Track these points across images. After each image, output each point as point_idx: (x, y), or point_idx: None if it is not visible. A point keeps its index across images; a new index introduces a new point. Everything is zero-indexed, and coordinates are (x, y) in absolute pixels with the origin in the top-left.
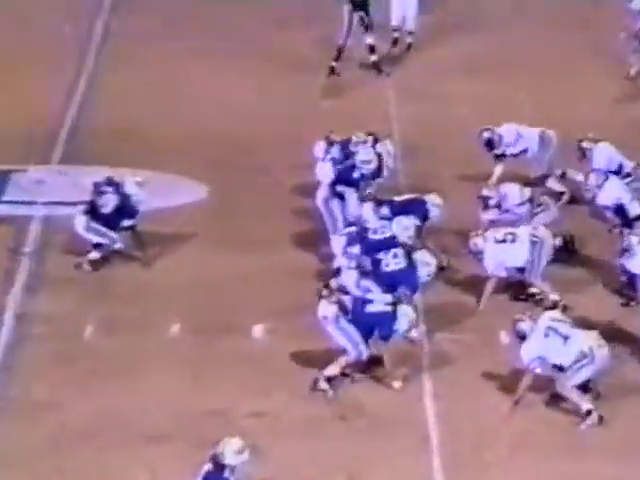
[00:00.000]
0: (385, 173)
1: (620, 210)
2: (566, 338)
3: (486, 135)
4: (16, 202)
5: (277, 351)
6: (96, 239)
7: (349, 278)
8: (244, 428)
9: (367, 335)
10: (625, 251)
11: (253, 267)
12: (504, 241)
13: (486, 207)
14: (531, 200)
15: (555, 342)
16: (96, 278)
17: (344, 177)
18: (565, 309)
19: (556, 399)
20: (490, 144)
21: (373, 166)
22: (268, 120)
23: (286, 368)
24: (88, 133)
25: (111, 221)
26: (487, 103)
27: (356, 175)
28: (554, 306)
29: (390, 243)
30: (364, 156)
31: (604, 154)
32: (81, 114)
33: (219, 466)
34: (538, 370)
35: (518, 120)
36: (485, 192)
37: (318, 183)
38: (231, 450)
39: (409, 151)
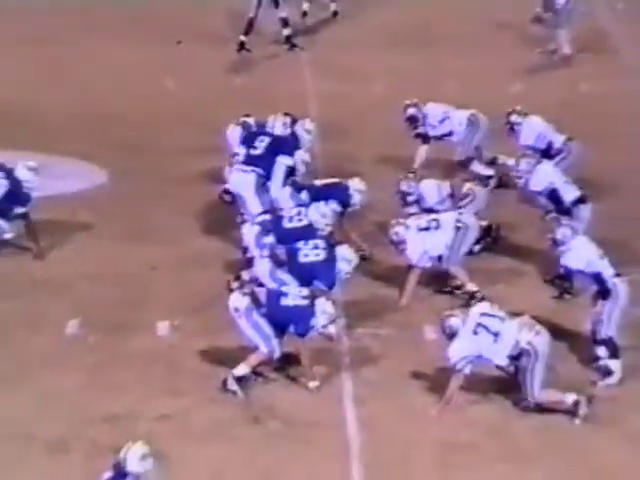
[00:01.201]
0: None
1: (553, 195)
2: (496, 335)
3: (410, 111)
4: None
5: (184, 349)
6: None
7: (262, 268)
8: (148, 433)
9: (282, 330)
10: (559, 244)
11: (158, 258)
12: (427, 228)
13: (405, 204)
14: (452, 195)
15: (485, 339)
16: None
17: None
18: (482, 301)
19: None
20: (413, 121)
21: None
22: (173, 99)
23: (194, 367)
24: None
25: (1, 209)
26: (409, 80)
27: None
28: (471, 298)
29: (306, 232)
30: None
31: (533, 128)
32: None
33: (121, 474)
34: (467, 370)
35: (441, 98)
36: (404, 187)
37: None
38: (134, 456)
39: (327, 132)
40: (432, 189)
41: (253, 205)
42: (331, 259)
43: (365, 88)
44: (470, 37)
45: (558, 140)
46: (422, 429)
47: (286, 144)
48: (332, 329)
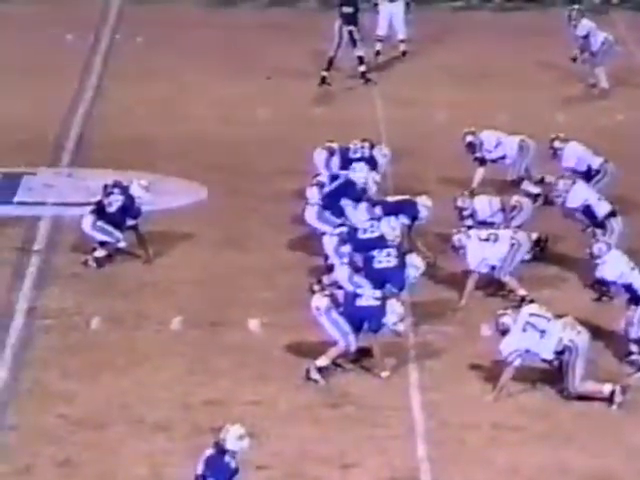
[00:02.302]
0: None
1: (588, 211)
2: (543, 332)
3: (469, 138)
4: (26, 203)
5: (272, 343)
6: (101, 237)
7: (342, 274)
8: (241, 415)
9: (357, 327)
10: (595, 258)
11: (250, 264)
12: (487, 240)
13: (461, 217)
14: (503, 209)
15: (533, 336)
16: (101, 274)
17: (335, 199)
18: (531, 303)
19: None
20: (471, 146)
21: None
22: (264, 127)
23: (280, 359)
24: (94, 139)
25: (116, 220)
26: (466, 110)
27: (355, 190)
28: (521, 301)
29: (379, 242)
30: (359, 172)
31: (574, 152)
32: (87, 121)
33: (221, 451)
34: (517, 362)
35: (494, 126)
36: (459, 203)
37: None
38: (233, 436)
39: (397, 155)
40: (484, 204)
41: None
42: (401, 265)
43: (429, 117)
44: (518, 74)
45: (596, 162)
46: (478, 413)
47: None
48: (401, 326)
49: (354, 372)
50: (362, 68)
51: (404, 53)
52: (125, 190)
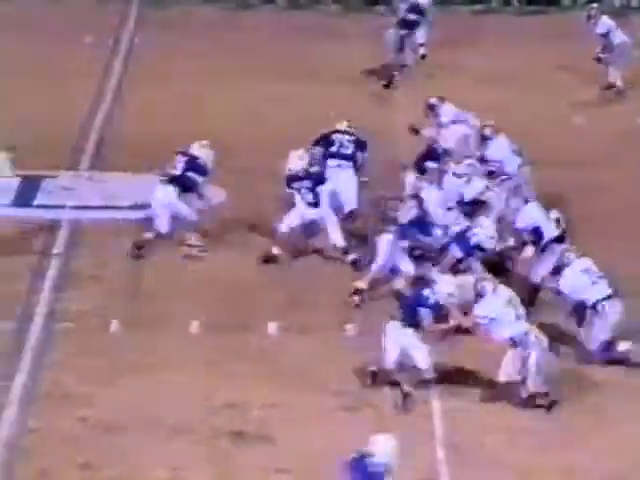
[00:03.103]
0: None
1: (537, 232)
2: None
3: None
4: (46, 206)
5: (290, 347)
6: (180, 209)
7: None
8: (258, 418)
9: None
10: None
11: (270, 267)
12: None
13: None
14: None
15: (508, 313)
16: (120, 277)
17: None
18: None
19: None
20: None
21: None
22: (282, 128)
23: (299, 362)
24: (113, 142)
25: (188, 183)
26: (484, 112)
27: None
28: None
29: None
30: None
31: (500, 146)
32: (106, 124)
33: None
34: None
35: (513, 127)
36: None
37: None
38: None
39: None
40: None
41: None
42: None
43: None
44: (537, 76)
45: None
46: (496, 417)
47: None
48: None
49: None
50: (397, 77)
51: (423, 56)
52: (185, 153)
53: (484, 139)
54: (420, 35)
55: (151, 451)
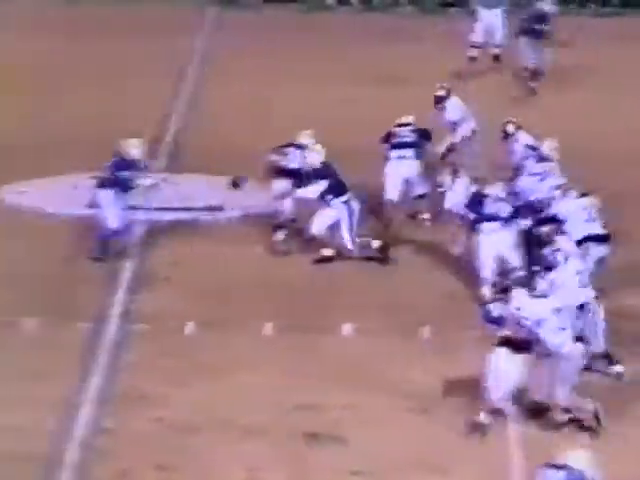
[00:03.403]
0: None
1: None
2: None
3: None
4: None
5: (365, 348)
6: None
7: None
8: (334, 420)
9: None
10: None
11: (344, 268)
12: None
13: None
14: None
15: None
16: (195, 278)
17: None
18: None
19: None
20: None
21: None
22: (358, 132)
23: (373, 364)
24: (188, 144)
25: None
26: (562, 114)
27: None
28: None
29: None
30: None
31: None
32: (181, 126)
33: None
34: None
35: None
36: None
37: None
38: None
39: None
40: None
41: None
42: None
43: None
44: (614, 78)
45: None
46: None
47: None
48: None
49: (448, 377)
50: (534, 84)
51: (496, 57)
52: (291, 144)
53: (506, 136)
54: (498, 37)
55: (226, 452)
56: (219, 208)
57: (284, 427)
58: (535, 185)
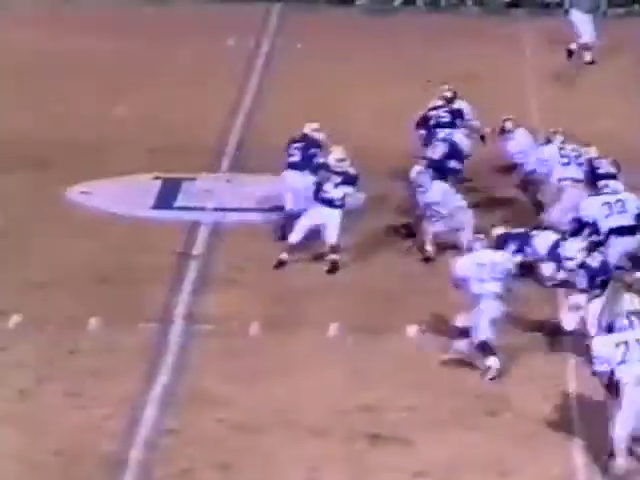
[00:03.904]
0: None
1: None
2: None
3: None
4: (186, 208)
5: (429, 350)
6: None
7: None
8: (397, 422)
9: None
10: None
11: (407, 269)
12: None
13: None
14: None
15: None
16: (259, 279)
17: None
18: None
19: None
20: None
21: None
22: None
23: (437, 366)
24: (253, 145)
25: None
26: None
27: None
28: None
29: None
30: None
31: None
32: (246, 127)
33: None
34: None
35: None
36: None
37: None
38: None
39: None
40: None
41: None
42: None
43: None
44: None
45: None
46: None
47: None
48: None
49: (513, 379)
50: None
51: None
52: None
53: (504, 132)
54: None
55: (287, 452)
56: (284, 208)
57: (347, 428)
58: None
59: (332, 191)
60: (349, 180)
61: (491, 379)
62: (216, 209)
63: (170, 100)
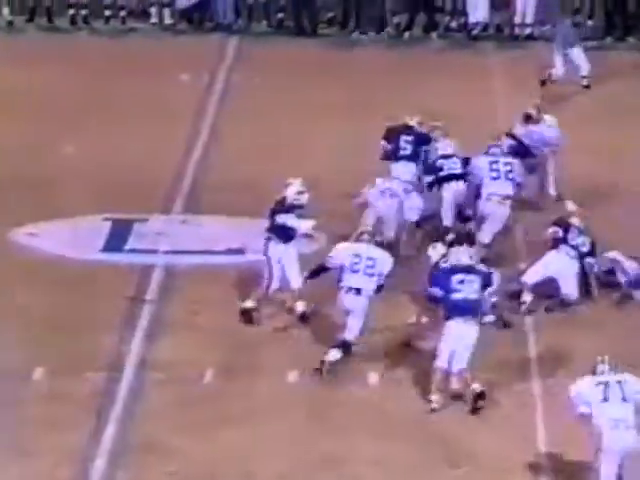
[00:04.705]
0: None
1: None
2: None
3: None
4: (138, 251)
5: (391, 398)
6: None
7: None
8: (360, 474)
9: None
10: None
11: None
12: None
13: None
14: None
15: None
16: (215, 324)
17: None
18: None
19: None
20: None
21: None
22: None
23: (400, 415)
24: (208, 183)
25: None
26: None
27: None
28: None
29: None
30: None
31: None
32: (202, 166)
33: None
34: None
35: None
36: None
37: None
38: None
39: None
40: None
41: None
42: None
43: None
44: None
45: None
46: None
47: None
48: None
49: (479, 428)
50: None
51: (588, 86)
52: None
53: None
54: (583, 68)
55: None
56: (240, 251)
57: (305, 478)
58: None
59: (293, 224)
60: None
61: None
62: (169, 252)
63: (122, 137)
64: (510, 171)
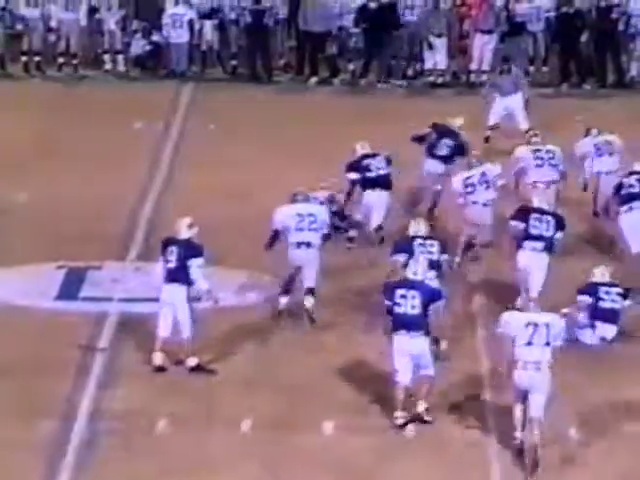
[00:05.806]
0: None
1: None
2: None
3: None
4: (92, 299)
5: (347, 448)
6: None
7: None
8: None
9: None
10: None
11: (326, 364)
12: None
13: None
14: None
15: None
16: (169, 373)
17: None
18: None
19: None
20: None
21: None
22: None
23: (356, 464)
24: (162, 231)
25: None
26: None
27: None
28: None
29: None
30: None
31: None
32: (156, 212)
33: None
34: None
35: None
36: None
37: None
38: None
39: None
40: None
41: None
42: None
43: None
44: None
45: None
46: None
47: None
48: None
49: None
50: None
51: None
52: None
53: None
54: (523, 123)
55: None
56: (195, 299)
57: None
58: None
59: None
60: None
61: None
62: (123, 299)
63: (76, 184)
64: (552, 157)
